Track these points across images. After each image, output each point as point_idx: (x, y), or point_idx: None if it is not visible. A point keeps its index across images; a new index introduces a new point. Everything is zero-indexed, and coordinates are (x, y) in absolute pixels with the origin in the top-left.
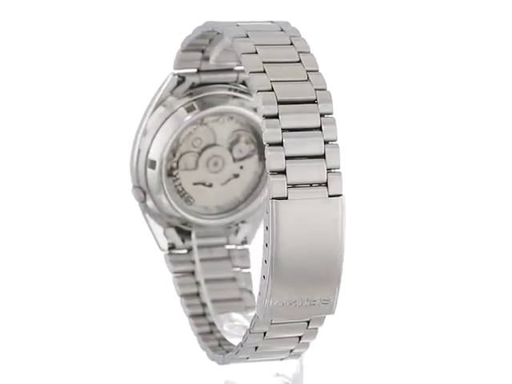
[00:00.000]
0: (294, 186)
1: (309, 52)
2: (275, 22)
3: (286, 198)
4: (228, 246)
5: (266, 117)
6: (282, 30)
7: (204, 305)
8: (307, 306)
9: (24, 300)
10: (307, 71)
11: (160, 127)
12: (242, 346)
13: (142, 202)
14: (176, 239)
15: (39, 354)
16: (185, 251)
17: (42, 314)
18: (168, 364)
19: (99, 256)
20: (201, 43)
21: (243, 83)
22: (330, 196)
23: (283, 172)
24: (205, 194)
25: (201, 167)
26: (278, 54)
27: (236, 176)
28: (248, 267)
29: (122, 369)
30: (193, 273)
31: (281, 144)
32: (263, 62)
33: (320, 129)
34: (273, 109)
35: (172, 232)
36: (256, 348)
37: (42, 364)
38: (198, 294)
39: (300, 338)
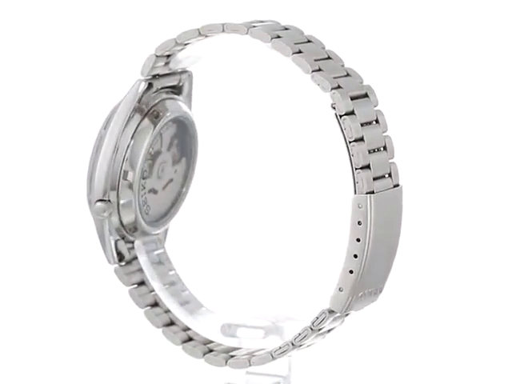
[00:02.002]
0: (375, 179)
1: (325, 47)
2: (265, 20)
3: (373, 192)
4: (156, 252)
5: (346, 113)
6: (286, 29)
7: (167, 311)
8: (370, 296)
9: None
10: (341, 66)
11: (132, 137)
12: (293, 344)
13: (107, 215)
14: (124, 250)
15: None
16: (124, 263)
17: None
18: (168, 365)
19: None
20: (178, 48)
21: (181, 86)
22: (394, 186)
23: (368, 167)
24: (154, 200)
25: (153, 174)
26: (314, 51)
27: (171, 180)
28: (175, 269)
29: (123, 371)
30: (143, 282)
31: (362, 139)
32: (314, 60)
33: (377, 121)
34: (350, 105)
35: (122, 243)
36: (300, 346)
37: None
38: (157, 303)
39: (329, 330)
